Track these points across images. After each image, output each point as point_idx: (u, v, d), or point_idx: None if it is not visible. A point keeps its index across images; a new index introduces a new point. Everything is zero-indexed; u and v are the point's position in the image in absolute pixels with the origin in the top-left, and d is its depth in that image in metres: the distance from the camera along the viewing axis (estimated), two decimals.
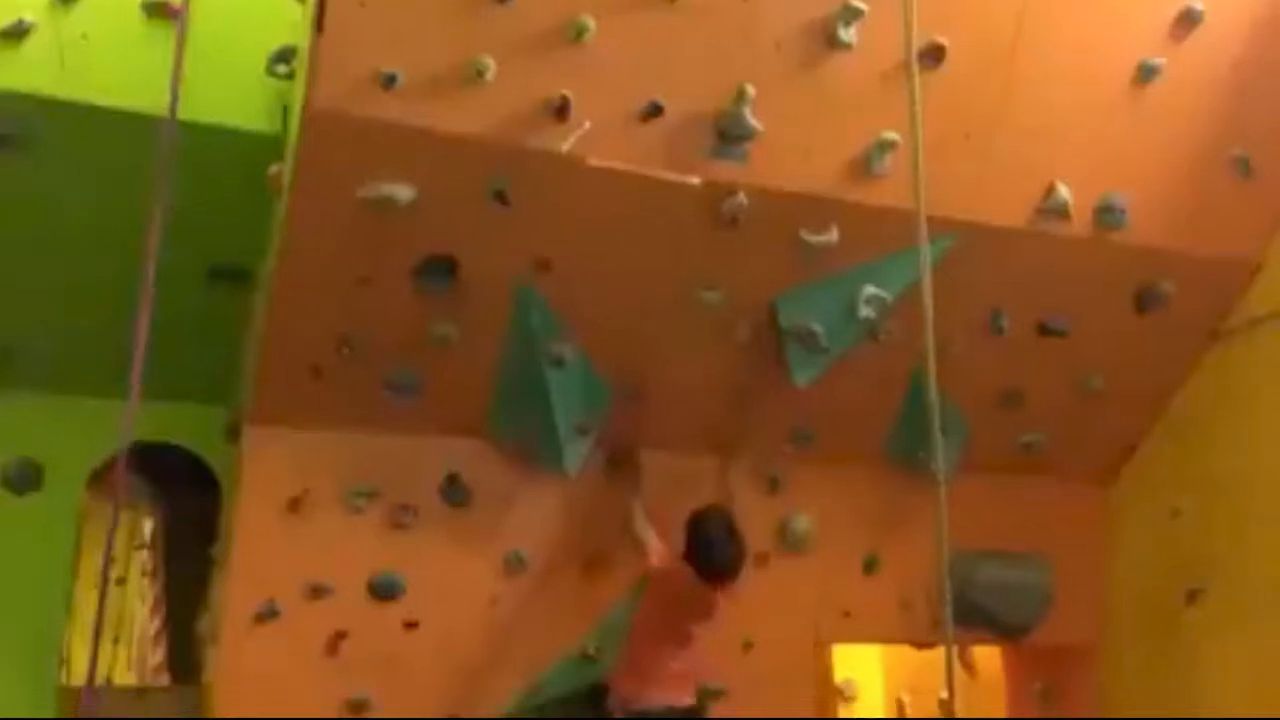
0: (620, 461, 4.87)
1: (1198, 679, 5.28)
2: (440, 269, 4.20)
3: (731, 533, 4.45)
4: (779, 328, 4.63)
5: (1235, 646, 5.11)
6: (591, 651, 4.81)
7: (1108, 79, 4.53)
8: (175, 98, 3.70)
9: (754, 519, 4.86)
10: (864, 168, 4.31)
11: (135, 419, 3.43)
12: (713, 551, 4.38)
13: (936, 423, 3.48)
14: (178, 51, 3.71)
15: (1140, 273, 5.02)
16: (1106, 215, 4.72)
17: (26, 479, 4.84)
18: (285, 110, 4.29)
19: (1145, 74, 4.54)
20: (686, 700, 4.49)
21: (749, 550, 4.52)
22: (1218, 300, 5.25)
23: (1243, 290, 5.21)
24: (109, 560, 3.56)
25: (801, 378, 4.65)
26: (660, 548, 4.52)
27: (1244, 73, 4.68)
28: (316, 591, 4.48)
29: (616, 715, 4.38)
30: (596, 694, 4.53)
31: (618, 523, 4.80)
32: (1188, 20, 4.51)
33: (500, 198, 3.99)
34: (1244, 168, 4.84)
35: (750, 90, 4.04)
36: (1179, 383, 5.52)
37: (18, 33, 3.97)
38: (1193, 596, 5.33)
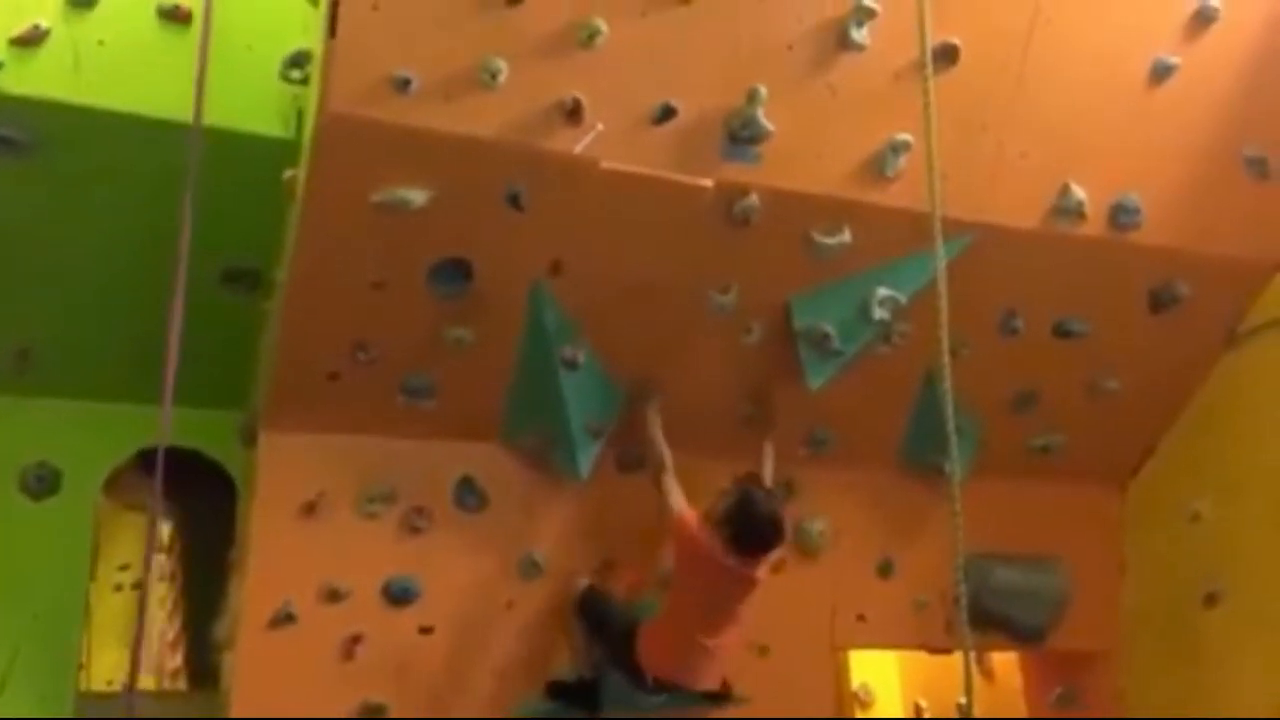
0: (645, 395, 4.71)
1: (1217, 683, 5.24)
2: (454, 272, 4.21)
3: (771, 503, 4.33)
4: (792, 330, 4.63)
5: (1255, 650, 5.07)
6: None
7: (1122, 78, 4.52)
8: (200, 103, 3.70)
9: None
10: (877, 169, 4.31)
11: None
12: (751, 520, 4.18)
13: (951, 425, 3.46)
14: (201, 56, 3.71)
15: (1155, 274, 5.00)
16: (1121, 215, 4.70)
17: (44, 483, 4.87)
18: (299, 115, 4.31)
19: (1160, 73, 4.52)
20: (711, 686, 4.32)
21: (786, 523, 4.39)
22: (1234, 302, 5.22)
23: (1259, 291, 5.18)
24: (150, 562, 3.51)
25: (815, 380, 4.63)
26: (687, 509, 4.35)
27: (1260, 71, 4.66)
28: (332, 595, 4.48)
29: (647, 683, 4.23)
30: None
31: (632, 525, 4.79)
32: (1202, 18, 4.50)
33: (514, 201, 4.00)
34: (1260, 167, 4.82)
35: (763, 91, 4.04)
36: (1196, 384, 5.48)
37: (34, 38, 3.99)
38: (1211, 600, 5.29)
